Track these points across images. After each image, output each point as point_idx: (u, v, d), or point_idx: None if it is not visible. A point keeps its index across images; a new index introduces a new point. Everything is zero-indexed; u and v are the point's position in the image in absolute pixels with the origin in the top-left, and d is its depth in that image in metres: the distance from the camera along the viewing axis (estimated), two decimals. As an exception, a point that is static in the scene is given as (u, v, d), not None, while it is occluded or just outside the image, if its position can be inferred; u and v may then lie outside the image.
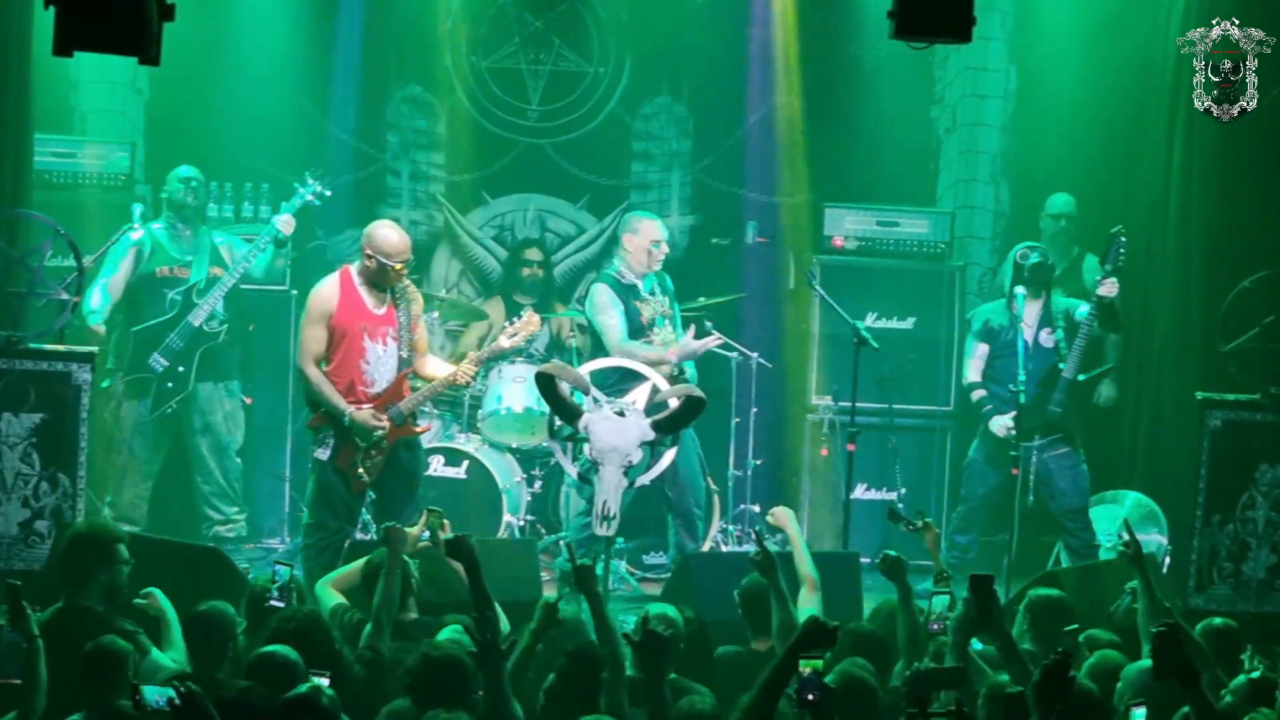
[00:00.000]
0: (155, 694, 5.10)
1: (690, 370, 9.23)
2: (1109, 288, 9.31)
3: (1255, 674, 5.97)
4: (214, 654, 6.14)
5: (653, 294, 9.29)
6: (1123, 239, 9.32)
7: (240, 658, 6.15)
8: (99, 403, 9.51)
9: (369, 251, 8.39)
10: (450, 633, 6.32)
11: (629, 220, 9.46)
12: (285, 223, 9.58)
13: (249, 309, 9.92)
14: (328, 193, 9.61)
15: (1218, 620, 6.73)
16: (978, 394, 9.69)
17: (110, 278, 9.61)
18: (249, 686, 5.45)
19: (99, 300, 9.54)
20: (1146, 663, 6.12)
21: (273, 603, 6.56)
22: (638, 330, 9.16)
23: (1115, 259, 9.31)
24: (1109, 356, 10.27)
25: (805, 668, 5.06)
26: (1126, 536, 6.93)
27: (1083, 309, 9.43)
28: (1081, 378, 9.46)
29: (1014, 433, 9.32)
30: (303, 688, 5.16)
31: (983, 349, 9.74)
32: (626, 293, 9.20)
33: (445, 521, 7.25)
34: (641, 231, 9.28)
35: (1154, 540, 9.56)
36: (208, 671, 5.97)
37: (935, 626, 6.40)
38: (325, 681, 5.49)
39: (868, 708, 5.59)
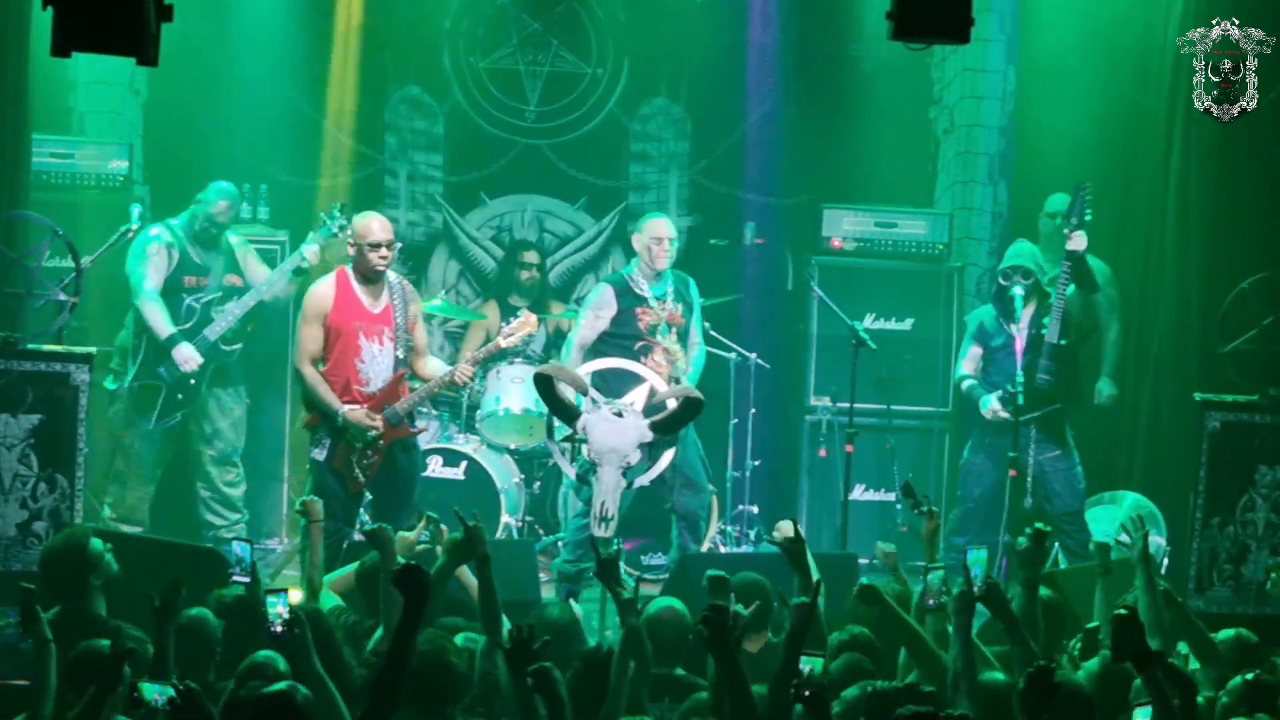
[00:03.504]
0: (154, 692, 5.09)
1: (698, 367, 9.25)
2: (1077, 241, 9.25)
3: (1250, 675, 5.96)
4: (199, 660, 6.13)
5: (663, 299, 9.23)
6: (1087, 194, 9.28)
7: (223, 660, 6.16)
8: (102, 402, 9.53)
9: (351, 240, 8.47)
10: (463, 640, 6.34)
11: (641, 222, 9.42)
12: (312, 253, 9.52)
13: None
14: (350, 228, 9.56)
15: (1245, 632, 6.71)
16: (967, 384, 9.66)
17: (147, 278, 9.54)
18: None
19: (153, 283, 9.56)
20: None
21: (236, 579, 6.54)
22: (634, 335, 9.12)
23: (1080, 212, 9.25)
24: (1108, 353, 10.25)
25: (805, 665, 5.10)
26: (1125, 538, 6.94)
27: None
28: (1064, 341, 9.42)
29: (1004, 415, 9.30)
30: (280, 685, 5.14)
31: (975, 350, 9.73)
32: (628, 298, 9.17)
33: (443, 527, 7.25)
34: (644, 229, 9.24)
35: (1153, 542, 9.54)
36: (194, 676, 5.95)
37: (931, 602, 6.38)
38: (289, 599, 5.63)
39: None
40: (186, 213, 9.73)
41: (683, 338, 9.23)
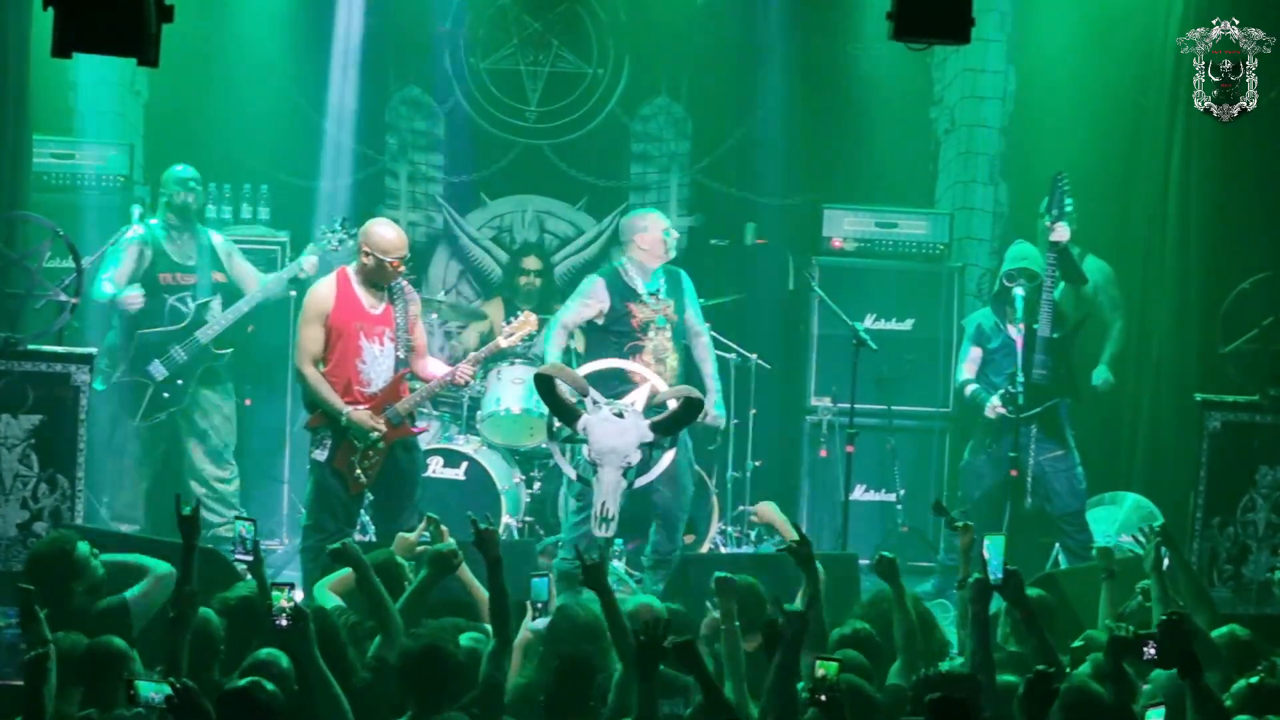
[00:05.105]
0: (151, 690, 5.09)
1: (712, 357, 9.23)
2: (1060, 233, 9.28)
3: (1254, 679, 5.96)
4: (203, 658, 6.14)
5: (656, 294, 9.16)
6: (1064, 184, 9.29)
7: (226, 659, 6.18)
8: (96, 404, 9.52)
9: (366, 249, 8.41)
10: (468, 640, 6.34)
11: (633, 220, 9.23)
12: (311, 264, 9.53)
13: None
14: (350, 242, 9.52)
15: (1238, 628, 6.71)
16: (970, 389, 9.67)
17: (114, 270, 9.57)
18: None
19: (110, 289, 9.53)
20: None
21: (238, 557, 6.54)
22: (627, 332, 9.05)
23: (1060, 203, 9.28)
24: (1109, 344, 10.24)
25: (820, 669, 5.09)
26: (1144, 539, 6.95)
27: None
28: (1056, 335, 9.42)
29: (1004, 413, 9.31)
30: (243, 682, 5.14)
31: (975, 352, 9.74)
32: (622, 292, 9.10)
33: (444, 528, 7.24)
34: (652, 226, 9.14)
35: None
36: (198, 674, 5.96)
37: None
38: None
39: (864, 708, 5.60)
40: (161, 207, 9.78)
41: (677, 333, 9.15)
